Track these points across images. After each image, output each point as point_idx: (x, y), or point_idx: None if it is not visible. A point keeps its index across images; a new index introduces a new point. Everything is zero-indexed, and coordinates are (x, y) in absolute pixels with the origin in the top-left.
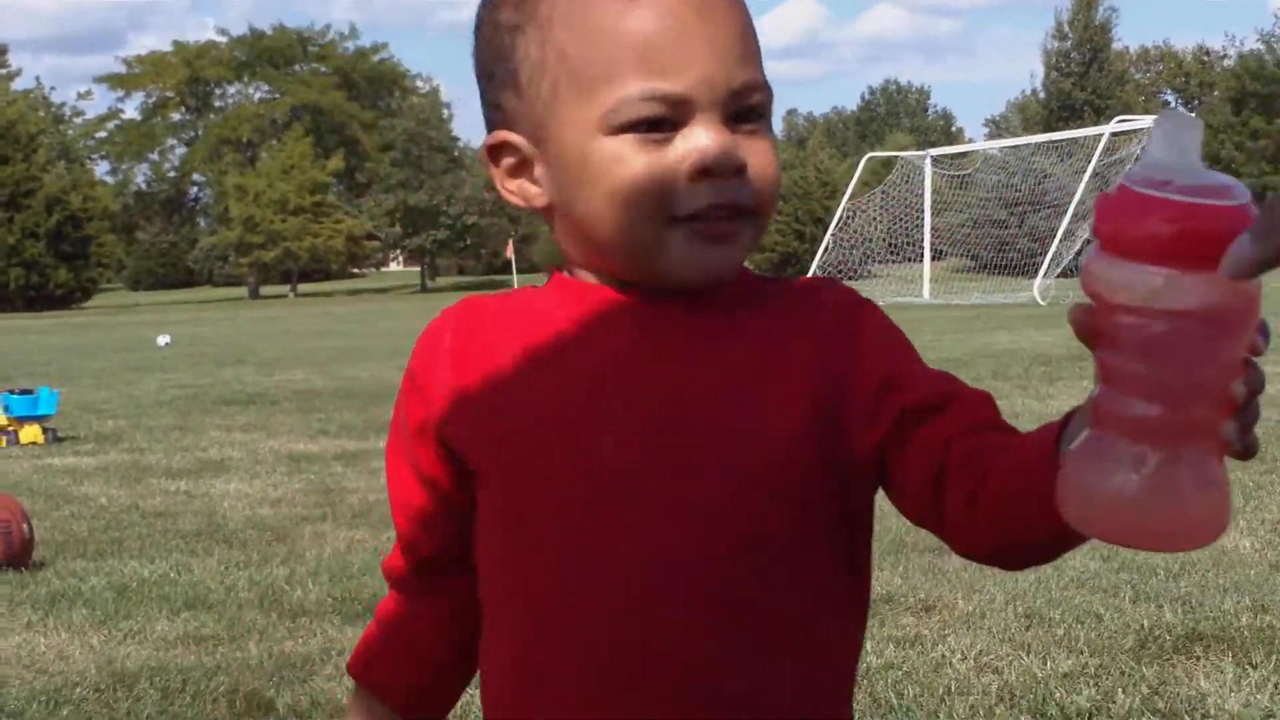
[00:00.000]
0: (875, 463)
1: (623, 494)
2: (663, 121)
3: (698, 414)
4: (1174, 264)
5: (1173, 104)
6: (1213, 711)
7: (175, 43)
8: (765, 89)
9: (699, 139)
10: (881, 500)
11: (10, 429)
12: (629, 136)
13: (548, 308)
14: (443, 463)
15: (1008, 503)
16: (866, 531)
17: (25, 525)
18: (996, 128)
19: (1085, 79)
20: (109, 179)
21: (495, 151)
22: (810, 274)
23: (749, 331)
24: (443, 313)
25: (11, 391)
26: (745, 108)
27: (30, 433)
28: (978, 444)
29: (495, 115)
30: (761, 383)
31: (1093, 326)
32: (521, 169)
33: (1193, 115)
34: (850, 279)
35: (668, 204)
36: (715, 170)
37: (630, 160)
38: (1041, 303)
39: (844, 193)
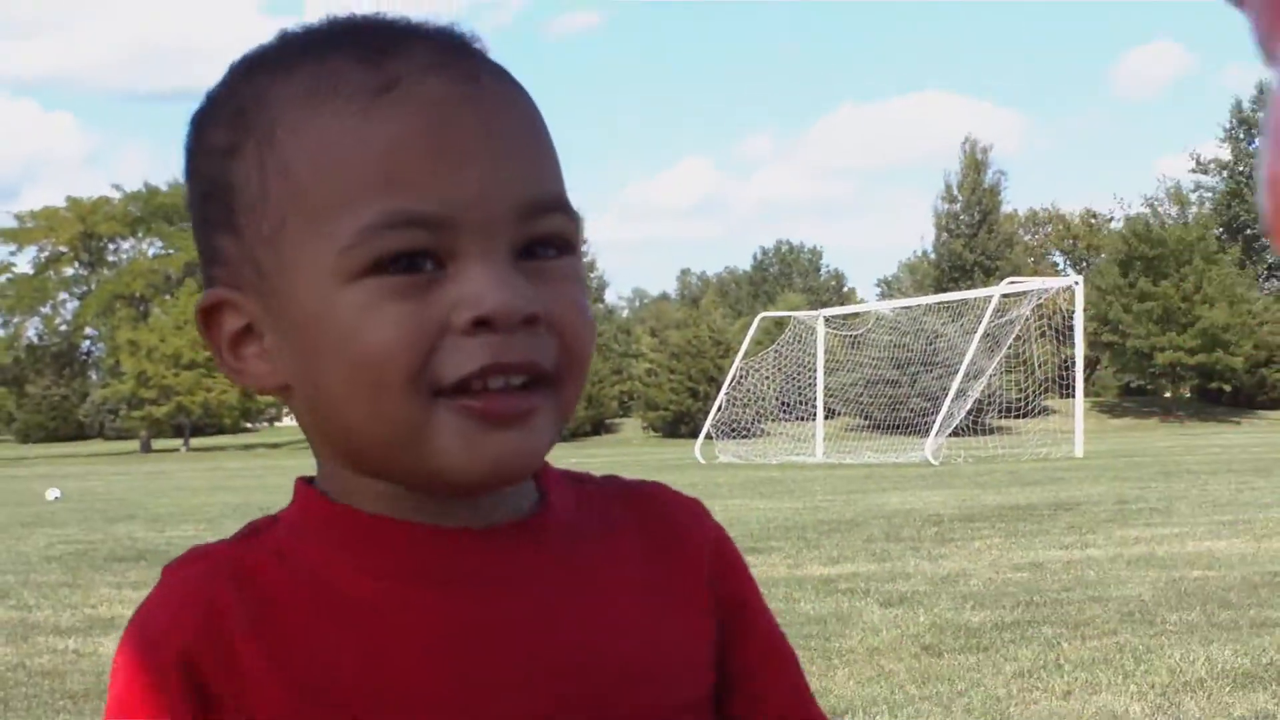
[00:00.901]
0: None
1: None
2: (422, 257)
3: (607, 655)
4: None
5: (1060, 265)
6: None
7: (69, 198)
8: (567, 210)
9: (472, 278)
10: None
11: None
12: (375, 281)
13: (343, 578)
14: None
15: None
16: None
17: None
18: (888, 288)
19: (975, 240)
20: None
21: (211, 316)
22: (704, 432)
23: (618, 551)
24: (186, 579)
25: None
26: (540, 235)
27: None
28: None
29: (212, 270)
30: (663, 610)
31: None
32: (247, 338)
33: None
34: (743, 437)
35: (431, 371)
36: (497, 321)
37: (378, 313)
38: (934, 462)
39: (737, 351)
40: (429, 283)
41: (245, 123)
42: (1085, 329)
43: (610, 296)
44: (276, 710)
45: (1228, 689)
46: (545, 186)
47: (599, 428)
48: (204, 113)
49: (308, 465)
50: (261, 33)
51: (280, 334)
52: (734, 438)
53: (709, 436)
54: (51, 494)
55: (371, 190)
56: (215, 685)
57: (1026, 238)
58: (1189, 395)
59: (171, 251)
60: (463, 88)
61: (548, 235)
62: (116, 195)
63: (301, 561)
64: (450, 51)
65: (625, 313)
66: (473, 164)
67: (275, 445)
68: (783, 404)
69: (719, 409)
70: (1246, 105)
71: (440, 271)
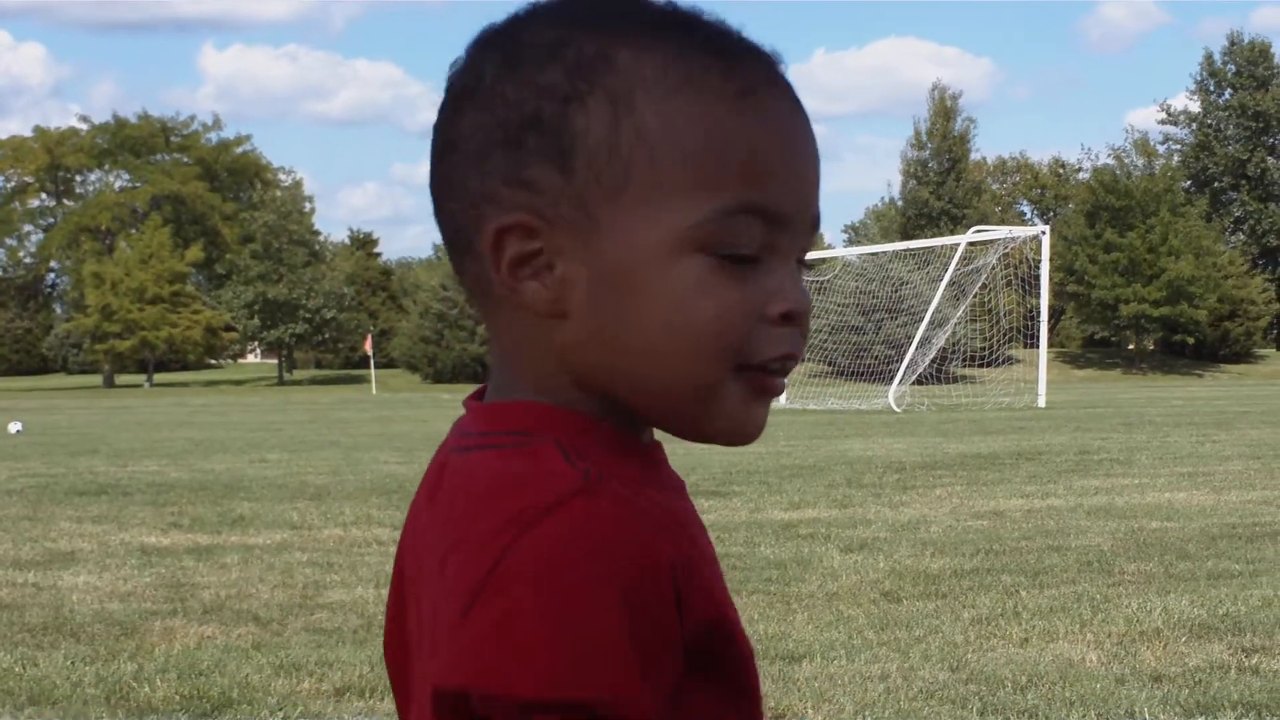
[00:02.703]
0: None
1: None
2: (754, 249)
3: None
4: None
5: (1028, 215)
6: None
7: (37, 128)
8: None
9: (787, 278)
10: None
11: None
12: (709, 260)
13: (669, 493)
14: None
15: None
16: None
17: None
18: (855, 234)
19: (943, 188)
20: None
21: (505, 235)
22: None
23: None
24: (650, 502)
25: None
26: (811, 246)
27: None
28: None
29: (515, 194)
30: None
31: None
32: (532, 262)
33: None
34: None
35: (743, 349)
36: (797, 317)
37: (714, 291)
38: (896, 410)
39: None
40: (749, 272)
41: (593, 77)
42: (1051, 279)
43: None
44: (693, 628)
45: (1184, 639)
46: (819, 206)
47: None
48: (522, 46)
49: (269, 403)
50: None
51: (587, 273)
52: None
53: None
54: (13, 427)
55: (732, 179)
56: (685, 600)
57: (994, 186)
58: (1153, 347)
59: (138, 185)
60: (796, 106)
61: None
62: (84, 127)
63: (665, 493)
64: (779, 71)
65: None
66: (806, 176)
67: (239, 382)
68: None
69: None
70: (1218, 58)
71: (756, 264)
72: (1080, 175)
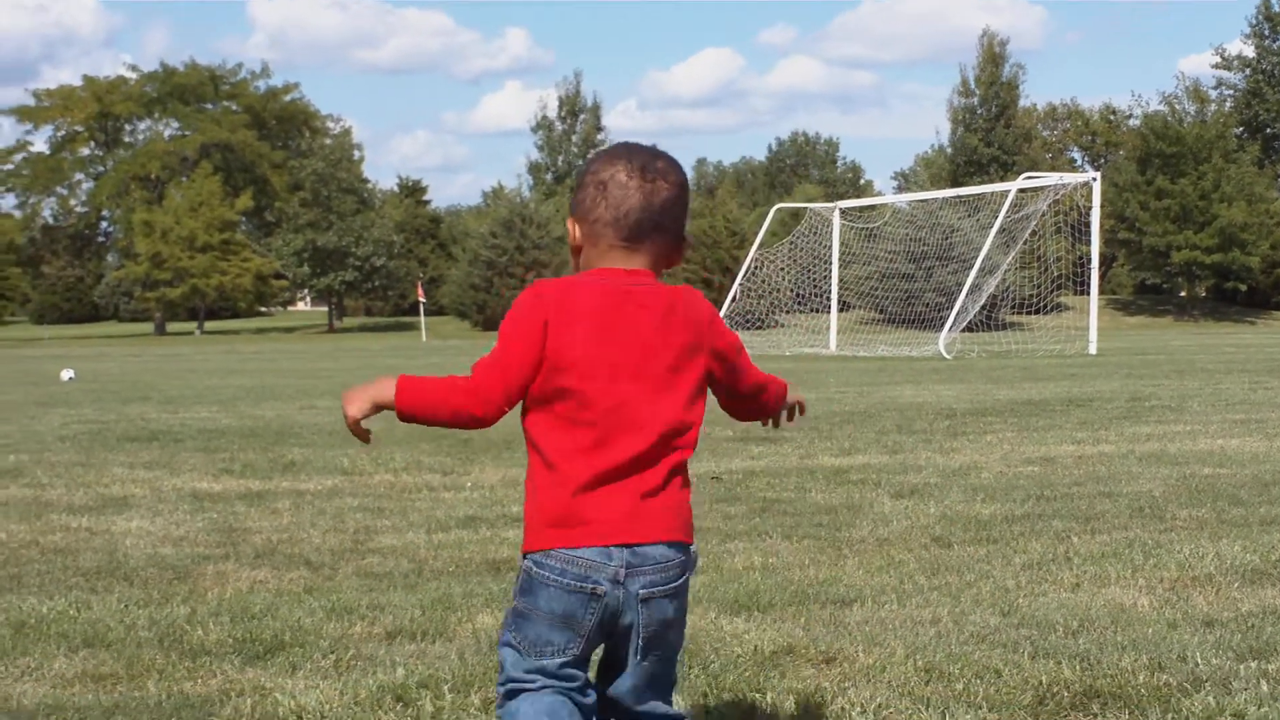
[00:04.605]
0: None
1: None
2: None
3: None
4: None
5: (1078, 161)
6: None
7: (86, 77)
8: None
9: None
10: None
11: None
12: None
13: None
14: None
15: None
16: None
17: None
18: (905, 181)
19: (992, 135)
20: (15, 212)
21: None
22: None
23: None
24: (549, 282)
25: None
26: None
27: None
28: None
29: (574, 213)
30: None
31: None
32: (577, 233)
33: None
34: (757, 328)
35: None
36: None
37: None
38: (947, 357)
39: (752, 242)
40: None
41: (595, 175)
42: (1102, 226)
43: None
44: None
45: (1236, 584)
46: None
47: None
48: (592, 160)
49: (319, 350)
50: None
51: (585, 239)
52: (748, 328)
53: None
54: (66, 375)
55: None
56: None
57: (1044, 133)
58: (1204, 294)
59: (188, 133)
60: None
61: None
62: (133, 75)
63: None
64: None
65: None
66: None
67: (289, 329)
68: (797, 296)
69: (733, 299)
70: (1275, 2)
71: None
72: (1131, 122)
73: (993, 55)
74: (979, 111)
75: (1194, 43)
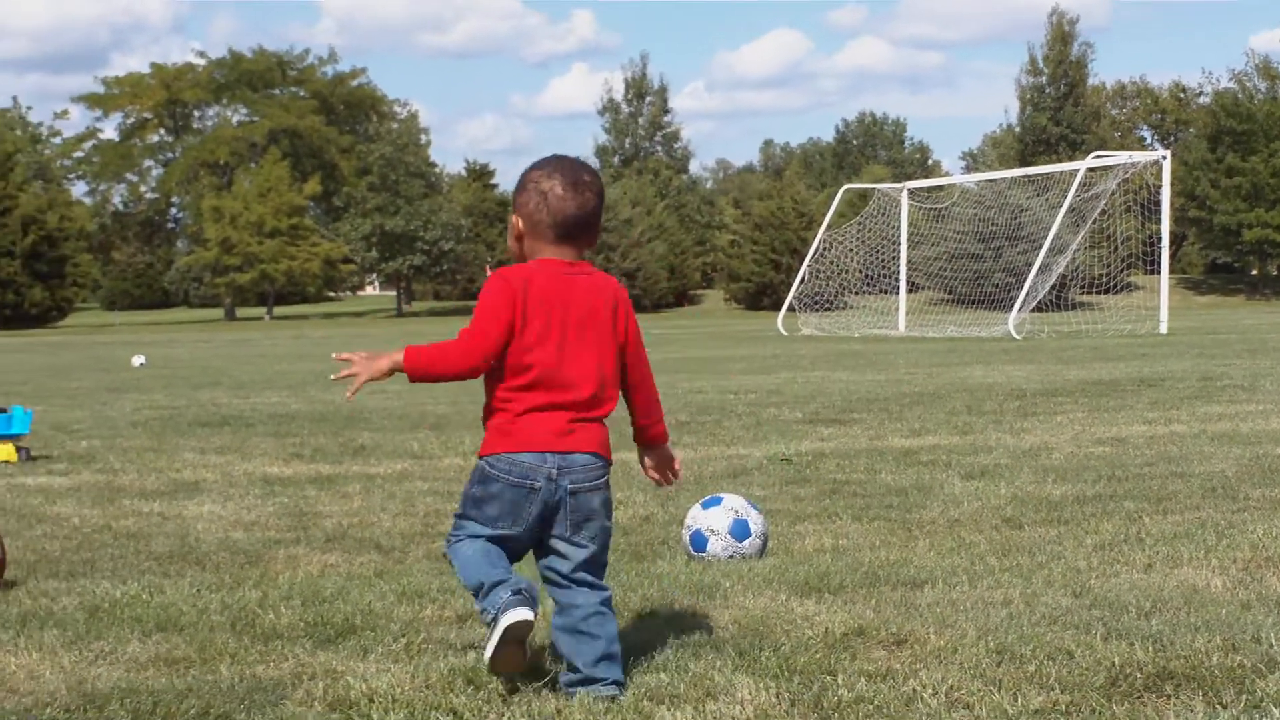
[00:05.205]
0: None
1: None
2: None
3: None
4: None
5: (1148, 140)
6: None
7: (154, 64)
8: None
9: None
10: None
11: None
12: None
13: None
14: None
15: None
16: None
17: None
18: (973, 161)
19: (1060, 114)
20: (86, 199)
21: (514, 225)
22: (787, 304)
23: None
24: (513, 268)
25: None
26: None
27: (3, 451)
28: None
29: (517, 214)
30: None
31: None
32: (518, 231)
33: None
34: (826, 310)
35: None
36: None
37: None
38: (1016, 337)
39: (820, 224)
40: None
41: (537, 185)
42: (1172, 204)
43: (694, 167)
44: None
45: None
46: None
47: (682, 299)
48: (531, 170)
49: (389, 334)
50: None
51: (527, 232)
52: (816, 310)
53: (791, 309)
54: (137, 360)
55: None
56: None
57: (1114, 111)
58: (1276, 272)
59: (255, 119)
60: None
61: None
62: (201, 62)
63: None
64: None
65: (709, 184)
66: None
67: (358, 314)
68: (866, 277)
69: (802, 281)
70: None
71: None
72: (1201, 99)
73: (1061, 33)
74: (1047, 90)
75: (1265, 20)
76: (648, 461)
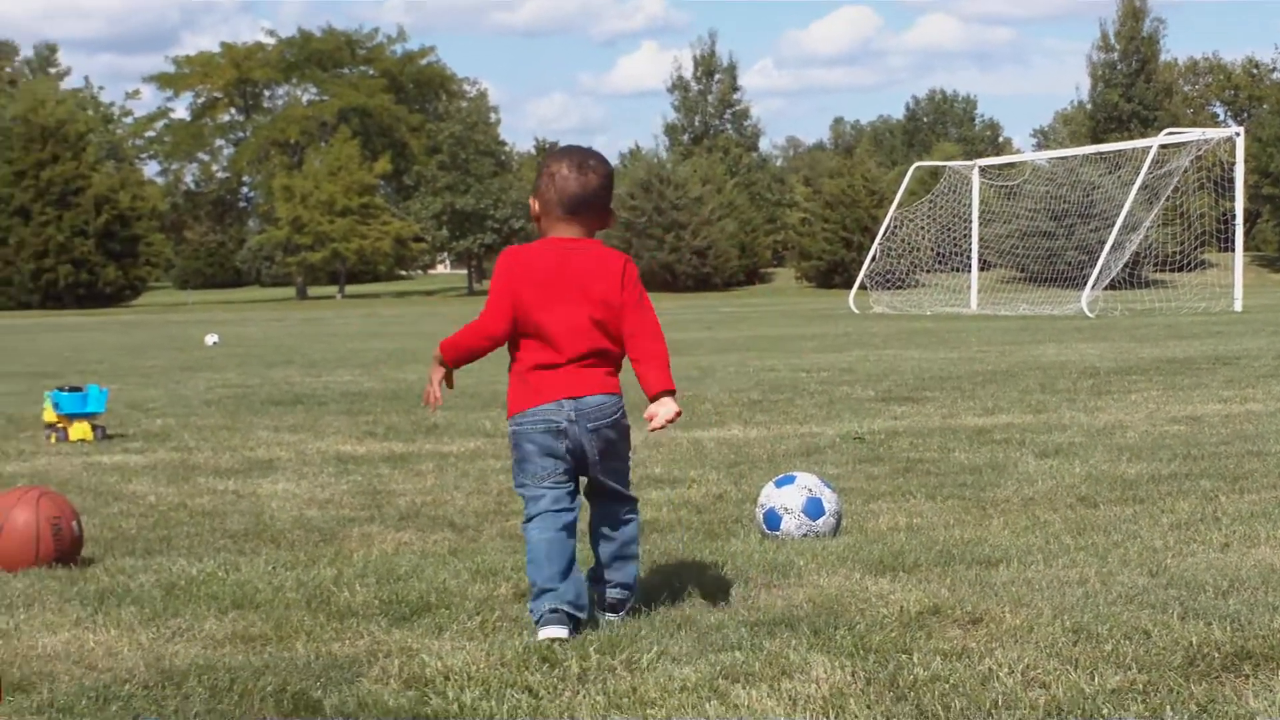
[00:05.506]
0: None
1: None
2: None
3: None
4: None
5: (1221, 116)
6: None
7: (224, 44)
8: None
9: None
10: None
11: (60, 426)
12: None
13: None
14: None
15: None
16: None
17: (75, 522)
18: (1044, 138)
19: (1132, 90)
20: (158, 179)
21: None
22: (858, 282)
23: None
24: (518, 246)
25: (61, 389)
26: None
27: (80, 430)
28: None
29: (536, 196)
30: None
31: None
32: (535, 209)
33: None
34: (897, 288)
35: None
36: None
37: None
38: (1090, 315)
39: (891, 201)
40: None
41: (548, 169)
42: (1245, 181)
43: (764, 145)
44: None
45: None
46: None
47: (753, 277)
48: (547, 157)
49: (460, 313)
50: None
51: (541, 212)
52: (888, 288)
53: (863, 287)
54: (210, 339)
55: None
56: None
57: (1186, 88)
58: None
59: (325, 98)
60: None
61: None
62: (271, 41)
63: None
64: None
65: (779, 162)
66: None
67: (429, 292)
68: (937, 255)
69: (873, 259)
70: None
71: None
72: (1275, 75)
73: (1133, 9)
74: (1119, 67)
75: None
76: (651, 408)
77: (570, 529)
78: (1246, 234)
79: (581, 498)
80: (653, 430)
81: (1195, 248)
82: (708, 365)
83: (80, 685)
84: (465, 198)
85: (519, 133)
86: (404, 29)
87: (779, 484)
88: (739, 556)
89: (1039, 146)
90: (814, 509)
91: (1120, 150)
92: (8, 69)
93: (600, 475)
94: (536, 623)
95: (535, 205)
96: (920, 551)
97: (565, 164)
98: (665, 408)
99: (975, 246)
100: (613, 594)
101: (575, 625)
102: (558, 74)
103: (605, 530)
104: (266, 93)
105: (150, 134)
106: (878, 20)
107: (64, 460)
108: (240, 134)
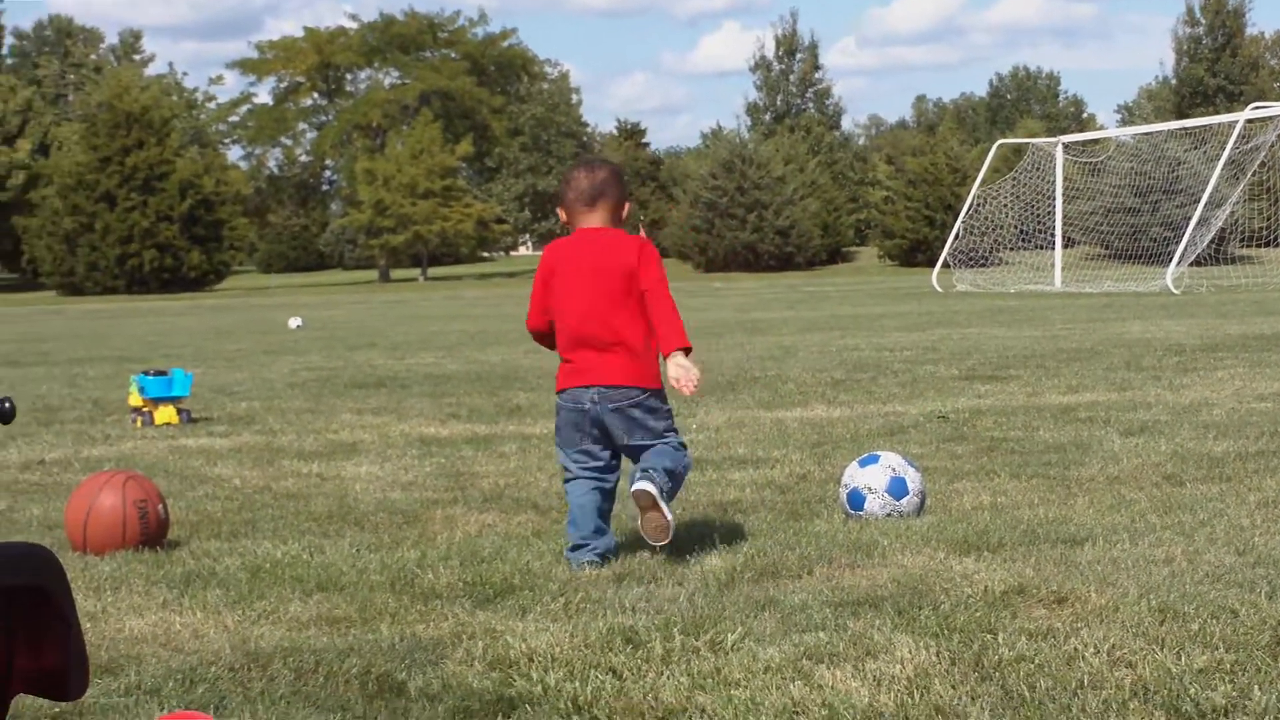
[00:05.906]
0: None
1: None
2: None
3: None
4: None
5: None
6: None
7: (306, 28)
8: None
9: None
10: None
11: (145, 410)
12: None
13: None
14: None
15: None
16: None
17: (160, 506)
18: (1128, 114)
19: (1217, 65)
20: (241, 163)
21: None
22: (941, 260)
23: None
24: (559, 240)
25: (146, 373)
26: None
27: (165, 414)
28: None
29: (561, 205)
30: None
31: None
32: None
33: None
34: (981, 266)
35: None
36: None
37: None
38: (1175, 292)
39: (974, 179)
40: None
41: (565, 176)
42: None
43: (846, 124)
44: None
45: None
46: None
47: (835, 256)
48: (566, 173)
49: None
50: None
51: (566, 213)
52: (971, 266)
53: (946, 265)
54: (294, 322)
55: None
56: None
57: (1272, 62)
58: None
59: (407, 81)
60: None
61: None
62: (353, 25)
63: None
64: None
65: (861, 140)
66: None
67: (511, 274)
68: (1021, 232)
69: (956, 237)
70: None
71: None
72: None
73: None
74: (1204, 41)
75: None
76: (669, 371)
77: (602, 492)
78: None
79: (621, 460)
80: (686, 393)
81: None
82: (790, 345)
83: (167, 668)
84: (547, 179)
85: (601, 113)
86: (485, 12)
87: (863, 464)
88: (823, 537)
89: (1123, 122)
90: (898, 488)
91: (1206, 125)
92: (93, 56)
93: (630, 445)
94: (573, 567)
95: (562, 213)
96: (1005, 531)
97: (577, 170)
98: (676, 368)
99: (1059, 224)
100: (638, 483)
101: (605, 563)
102: (639, 54)
103: (642, 461)
104: (349, 76)
105: (233, 119)
106: None
107: (149, 444)
108: (323, 118)
